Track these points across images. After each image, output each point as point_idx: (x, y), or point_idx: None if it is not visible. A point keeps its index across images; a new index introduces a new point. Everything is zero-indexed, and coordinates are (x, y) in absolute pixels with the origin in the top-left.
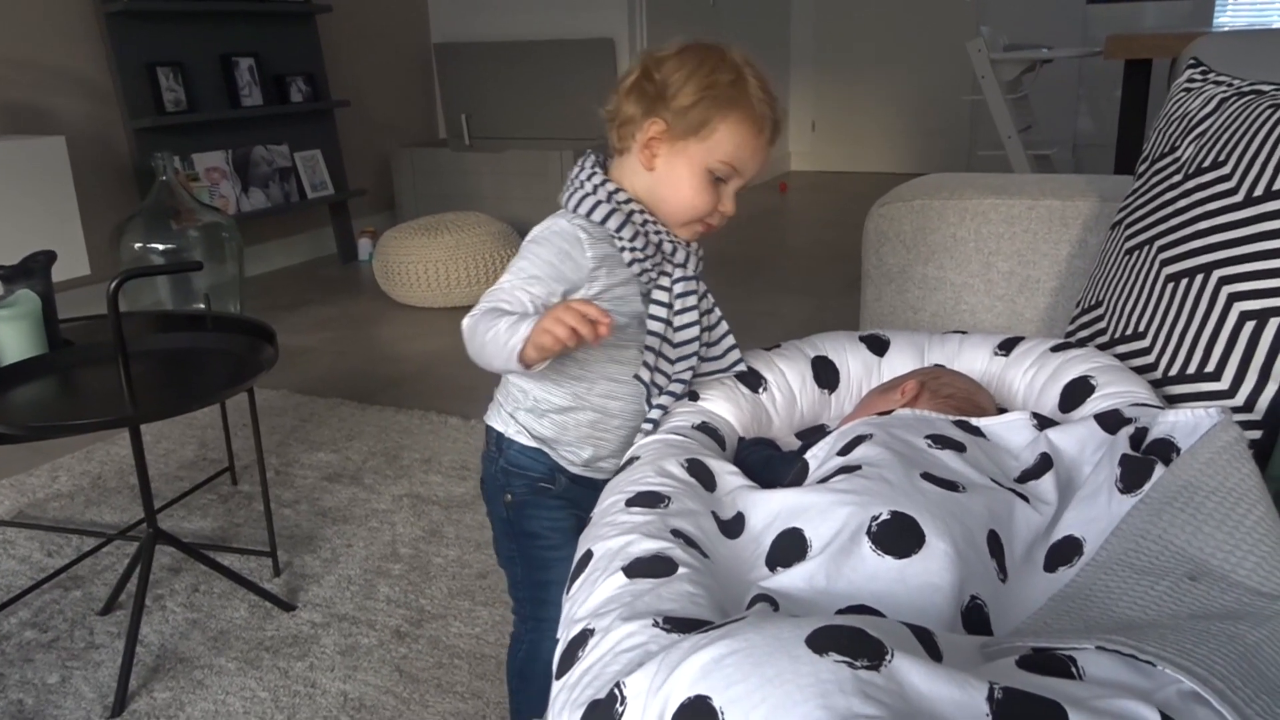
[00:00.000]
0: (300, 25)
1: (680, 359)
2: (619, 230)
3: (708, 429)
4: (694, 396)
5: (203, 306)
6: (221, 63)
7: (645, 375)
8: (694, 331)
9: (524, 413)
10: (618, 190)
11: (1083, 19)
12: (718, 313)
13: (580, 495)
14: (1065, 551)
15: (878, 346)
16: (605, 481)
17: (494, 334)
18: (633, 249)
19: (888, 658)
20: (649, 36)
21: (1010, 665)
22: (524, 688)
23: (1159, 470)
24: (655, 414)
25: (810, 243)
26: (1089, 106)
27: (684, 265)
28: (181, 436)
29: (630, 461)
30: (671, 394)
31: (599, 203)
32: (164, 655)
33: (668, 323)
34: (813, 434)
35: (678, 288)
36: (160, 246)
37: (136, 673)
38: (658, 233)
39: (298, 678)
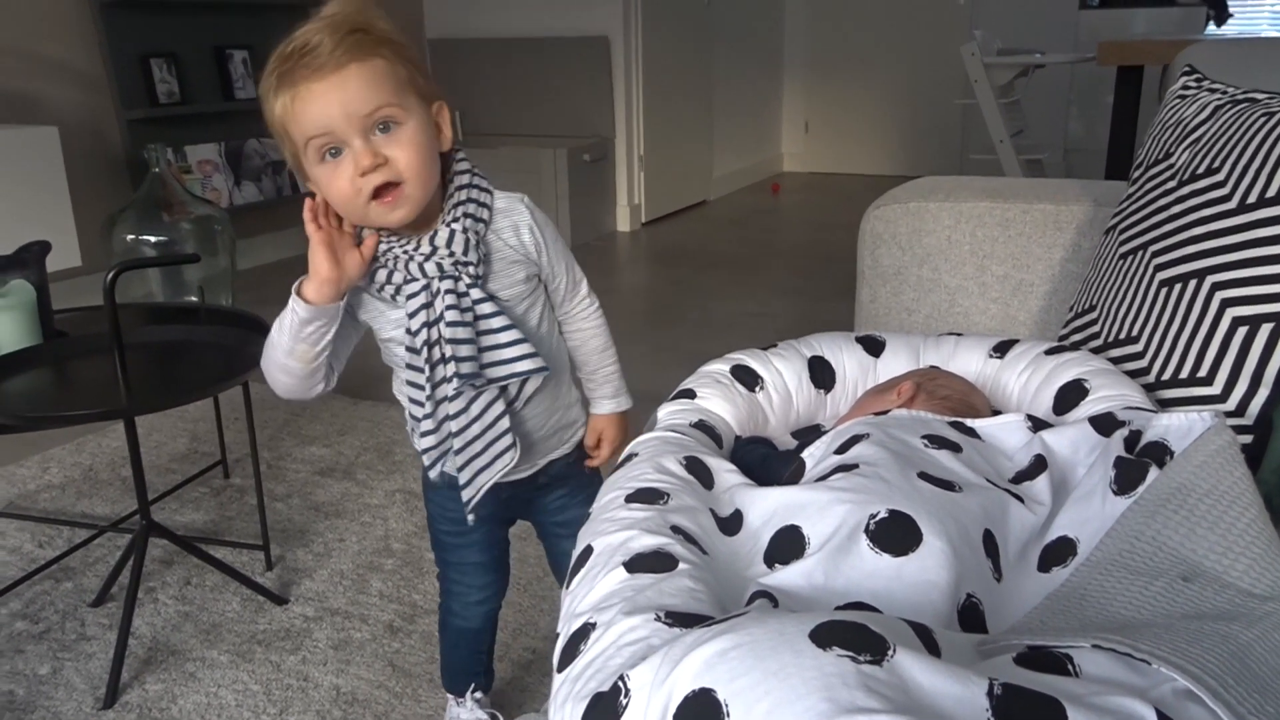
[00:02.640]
0: (295, 18)
1: (430, 388)
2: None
3: (704, 427)
4: (690, 395)
5: (196, 299)
6: (215, 54)
7: (412, 408)
8: (425, 355)
9: (409, 419)
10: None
11: (1075, 25)
12: (497, 320)
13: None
14: (1059, 552)
15: (873, 347)
16: (510, 484)
17: (271, 334)
18: (376, 284)
19: (890, 652)
20: (644, 34)
21: (1008, 662)
22: (441, 635)
23: (1153, 473)
24: (423, 443)
25: (803, 243)
26: (1080, 112)
27: (414, 279)
28: (173, 429)
29: (628, 458)
30: (434, 430)
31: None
32: (156, 647)
33: (411, 347)
34: (808, 434)
35: (409, 306)
36: (152, 238)
37: (128, 665)
38: (385, 250)
39: (290, 671)
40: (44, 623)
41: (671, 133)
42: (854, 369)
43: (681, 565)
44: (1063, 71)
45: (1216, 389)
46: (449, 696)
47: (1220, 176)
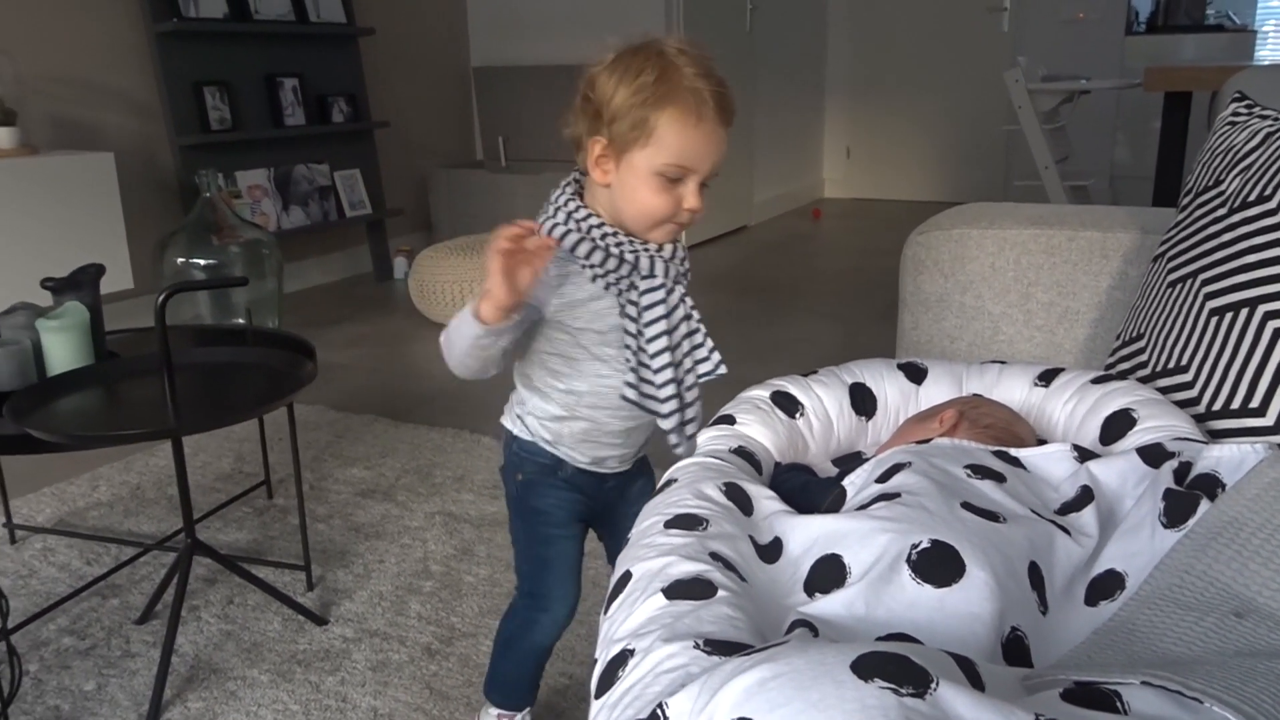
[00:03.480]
0: (343, 47)
1: (660, 369)
2: (575, 249)
3: (744, 453)
4: (730, 421)
5: (243, 321)
6: (266, 83)
7: (631, 394)
8: (663, 342)
9: (529, 415)
10: (579, 209)
11: (1120, 50)
12: (694, 319)
13: (586, 483)
14: (1107, 585)
15: (915, 375)
16: (613, 474)
17: (454, 322)
18: (592, 265)
19: (933, 685)
20: None
21: (1054, 698)
22: (506, 654)
23: (1204, 505)
24: (668, 424)
25: (844, 269)
26: (1126, 138)
27: (653, 275)
28: (219, 449)
29: (668, 484)
30: (679, 414)
31: (558, 225)
32: (198, 665)
33: (636, 335)
34: (849, 461)
35: (644, 300)
36: (202, 262)
37: (171, 682)
38: (619, 245)
39: (329, 692)
40: (90, 639)
41: None
42: (895, 396)
43: (721, 592)
44: (1109, 97)
45: (1270, 420)
46: (496, 712)
47: (1272, 204)
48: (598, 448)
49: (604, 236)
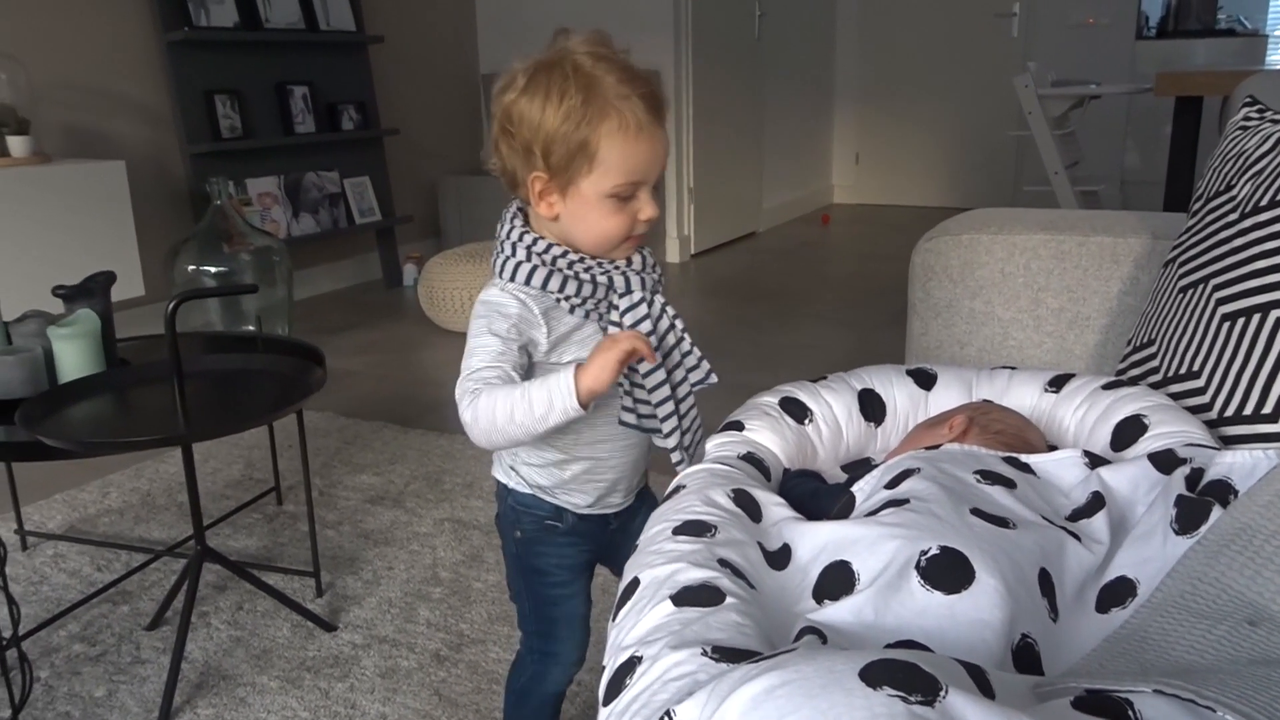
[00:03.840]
0: (353, 55)
1: (655, 386)
2: (545, 285)
3: (753, 460)
4: (739, 427)
5: (253, 328)
6: (276, 91)
7: (630, 418)
8: (658, 362)
9: (522, 465)
10: (536, 241)
11: (1131, 55)
12: (679, 328)
13: (588, 530)
14: (1118, 592)
15: (925, 380)
16: (615, 513)
17: (513, 406)
18: (567, 297)
19: (942, 693)
20: (694, 67)
21: (1065, 706)
22: (520, 706)
23: (1216, 512)
24: (670, 442)
25: (852, 275)
26: (1137, 143)
27: (630, 291)
28: (228, 455)
29: (676, 490)
30: (678, 431)
31: (521, 263)
32: (208, 672)
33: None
34: (858, 467)
35: (626, 320)
36: (212, 269)
37: (181, 689)
38: (588, 269)
39: (338, 699)
40: (100, 645)
41: (721, 165)
42: (905, 402)
43: (729, 599)
44: (1119, 103)
45: None
46: None
47: None
48: (599, 487)
49: (570, 265)
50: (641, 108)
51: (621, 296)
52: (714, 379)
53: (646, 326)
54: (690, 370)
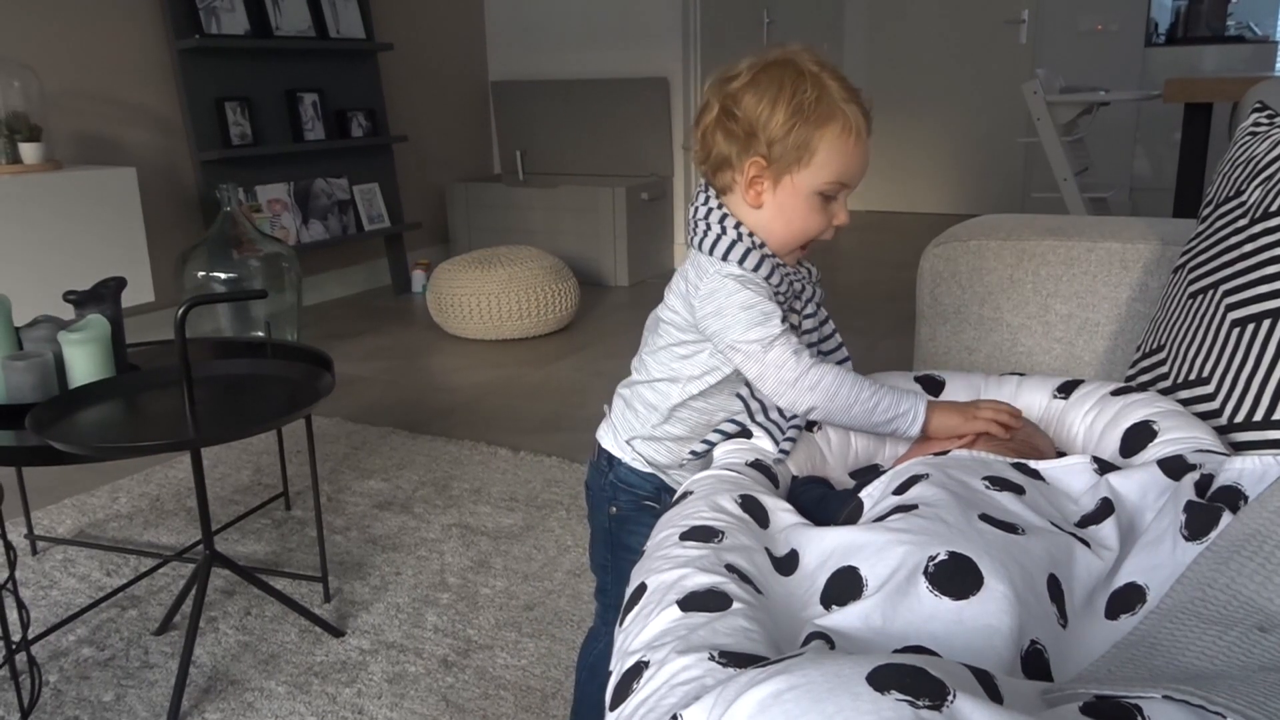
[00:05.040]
0: (362, 63)
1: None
2: (769, 276)
3: (761, 466)
4: (747, 434)
5: (262, 334)
6: (286, 98)
7: (760, 416)
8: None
9: (641, 440)
10: (740, 224)
11: (1140, 62)
12: (836, 337)
13: None
14: (1128, 599)
15: (933, 387)
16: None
17: (857, 399)
18: (777, 291)
19: (950, 698)
20: (703, 75)
21: (1074, 712)
22: (592, 680)
23: (1226, 518)
24: (781, 431)
25: (861, 282)
26: (1146, 150)
27: (812, 300)
28: (237, 461)
29: (684, 496)
30: (780, 421)
31: (745, 248)
32: (216, 676)
33: None
34: (867, 473)
35: (806, 324)
36: (222, 275)
37: (189, 693)
38: (786, 271)
39: (346, 704)
40: (109, 650)
41: None
42: None
43: (736, 604)
44: (1128, 109)
45: None
46: None
47: None
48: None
49: (780, 263)
50: (860, 115)
51: (805, 304)
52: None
53: (814, 337)
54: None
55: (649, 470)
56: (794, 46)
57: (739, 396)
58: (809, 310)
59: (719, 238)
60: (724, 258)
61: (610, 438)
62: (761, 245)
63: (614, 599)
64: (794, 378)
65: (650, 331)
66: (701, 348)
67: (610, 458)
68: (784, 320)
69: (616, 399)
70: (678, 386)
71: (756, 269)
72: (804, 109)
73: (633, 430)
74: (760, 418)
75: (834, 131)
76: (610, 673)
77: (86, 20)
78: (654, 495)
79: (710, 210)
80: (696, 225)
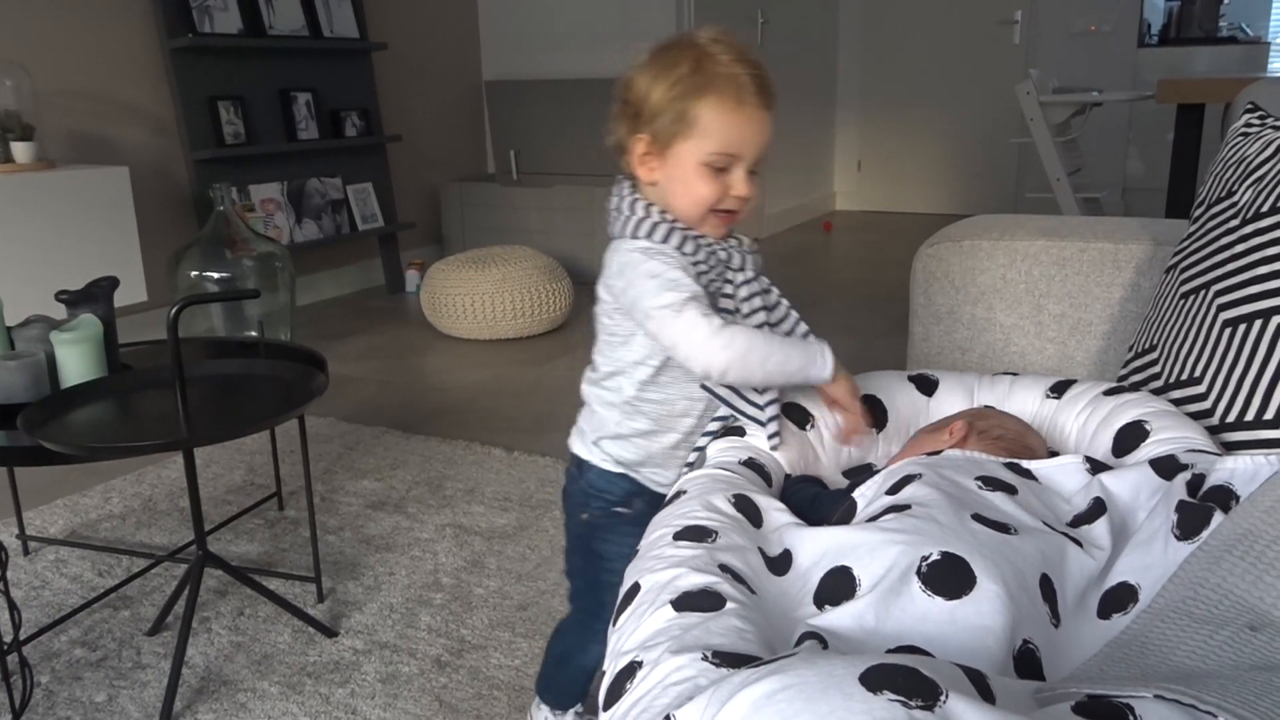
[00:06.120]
0: (356, 62)
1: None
2: (680, 246)
3: (754, 465)
4: (740, 433)
5: (255, 334)
6: (280, 97)
7: (722, 391)
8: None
9: (608, 440)
10: (651, 206)
11: (1133, 63)
12: (784, 304)
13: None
14: (1120, 598)
15: (926, 386)
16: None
17: (769, 353)
18: (696, 263)
19: (942, 698)
20: None
21: (1065, 711)
22: (559, 669)
23: (1217, 517)
24: (767, 430)
25: (854, 282)
26: (1139, 150)
27: (744, 269)
28: (230, 461)
29: (677, 495)
30: (756, 405)
31: (643, 219)
32: (208, 677)
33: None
34: (860, 473)
35: (742, 292)
36: (215, 275)
37: (181, 694)
38: (707, 243)
39: (339, 704)
40: (101, 650)
41: None
42: (906, 408)
43: (729, 604)
44: (1121, 110)
45: None
46: (546, 710)
47: None
48: (682, 461)
49: (696, 235)
50: (748, 84)
51: (737, 272)
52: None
53: (758, 302)
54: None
55: (620, 471)
56: (701, 29)
57: (704, 388)
58: (745, 278)
59: (628, 219)
60: (633, 235)
61: (579, 442)
62: (673, 220)
63: (588, 604)
64: (704, 338)
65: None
66: (634, 330)
67: (580, 463)
68: (697, 287)
69: (583, 404)
70: (626, 378)
71: (665, 240)
72: (683, 80)
73: (599, 431)
74: (736, 402)
75: (713, 101)
76: (581, 666)
77: (79, 19)
78: (624, 500)
79: (622, 198)
80: (610, 215)
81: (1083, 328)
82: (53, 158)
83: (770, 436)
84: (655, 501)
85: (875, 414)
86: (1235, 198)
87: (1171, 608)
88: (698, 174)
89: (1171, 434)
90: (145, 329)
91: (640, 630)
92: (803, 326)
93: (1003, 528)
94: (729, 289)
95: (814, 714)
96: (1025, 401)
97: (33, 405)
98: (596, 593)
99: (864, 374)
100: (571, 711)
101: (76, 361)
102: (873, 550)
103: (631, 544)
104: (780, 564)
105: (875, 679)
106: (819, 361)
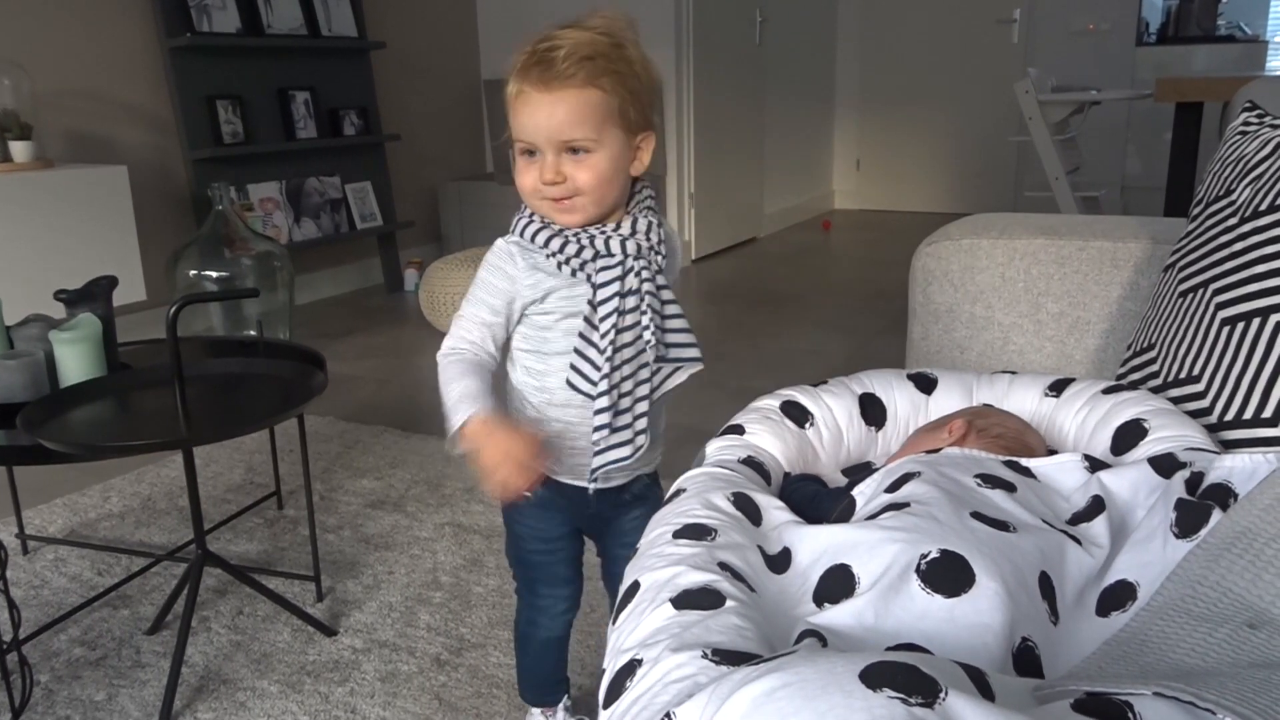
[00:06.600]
0: (355, 61)
1: (604, 349)
2: (534, 237)
3: (753, 463)
4: (739, 430)
5: (254, 333)
6: (278, 96)
7: (575, 379)
8: (610, 322)
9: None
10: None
11: (1131, 61)
12: (658, 301)
13: (568, 502)
14: (1119, 596)
15: (925, 385)
16: (599, 493)
17: (447, 391)
18: (553, 254)
19: (942, 695)
20: (695, 73)
21: (1065, 709)
22: (524, 650)
23: (1216, 515)
24: (601, 420)
25: (853, 280)
26: (1137, 149)
27: (609, 254)
28: (229, 460)
29: (676, 494)
30: (612, 408)
31: (524, 219)
32: (208, 676)
33: (590, 316)
34: (859, 471)
35: (599, 277)
36: (214, 274)
37: (181, 693)
38: (575, 233)
39: (338, 703)
40: (101, 649)
41: (722, 170)
42: (905, 406)
43: (729, 602)
44: (1120, 108)
45: None
46: (537, 711)
47: None
48: (574, 454)
49: (561, 229)
50: (529, 70)
51: (599, 258)
52: (698, 365)
53: (614, 289)
54: (672, 346)
55: None
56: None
57: (576, 351)
58: (608, 264)
59: (517, 218)
60: (510, 231)
61: None
62: (541, 217)
63: (521, 580)
64: (440, 354)
65: None
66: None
67: None
68: (487, 315)
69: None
70: (514, 364)
71: (534, 238)
72: (508, 72)
73: (518, 421)
74: (574, 377)
75: (510, 90)
76: (538, 642)
77: (77, 18)
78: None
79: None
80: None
81: (1081, 326)
82: (51, 157)
83: (600, 429)
84: (556, 488)
85: (874, 413)
86: (1234, 196)
87: (1170, 605)
88: (519, 163)
89: (1170, 432)
90: (144, 328)
91: (640, 628)
92: (648, 335)
93: (1002, 526)
94: (594, 276)
95: (814, 711)
96: (1024, 400)
97: (32, 404)
98: (524, 569)
99: (863, 372)
100: (561, 707)
101: (75, 361)
102: (872, 548)
103: (544, 525)
104: (780, 562)
105: (875, 676)
106: (454, 420)
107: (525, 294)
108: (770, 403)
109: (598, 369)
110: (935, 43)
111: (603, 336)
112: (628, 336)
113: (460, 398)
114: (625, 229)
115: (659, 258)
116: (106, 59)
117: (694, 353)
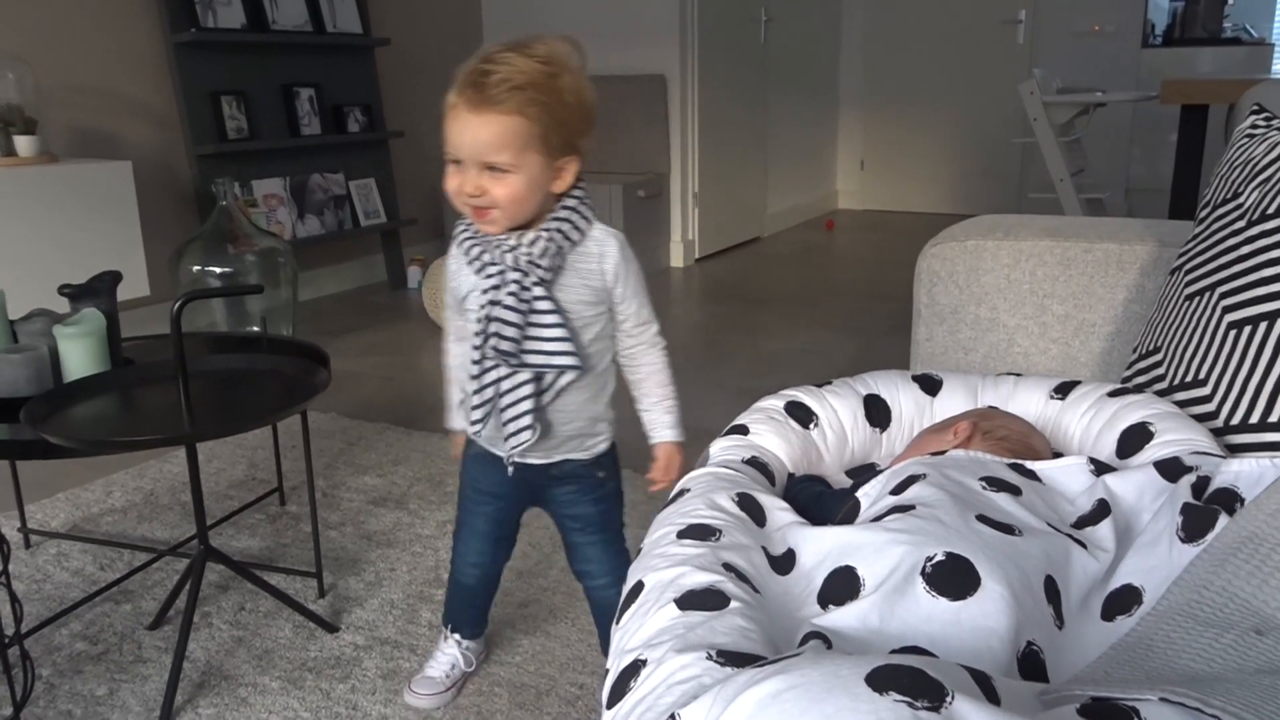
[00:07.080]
0: (359, 58)
1: (475, 347)
2: (462, 241)
3: (757, 464)
4: (744, 431)
5: (258, 329)
6: (283, 92)
7: (467, 365)
8: (478, 325)
9: None
10: None
11: (1137, 63)
12: (524, 312)
13: (485, 463)
14: (1124, 600)
15: (930, 386)
16: (513, 465)
17: (447, 365)
18: (471, 260)
19: (948, 699)
20: (700, 73)
21: (1070, 713)
22: (449, 581)
23: (1222, 520)
24: (474, 411)
25: (857, 281)
26: (1142, 151)
27: (492, 264)
28: (232, 456)
29: (680, 494)
30: (486, 405)
31: (462, 224)
32: (209, 671)
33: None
34: (863, 472)
35: (487, 283)
36: (217, 270)
37: (182, 688)
38: (487, 239)
39: (339, 699)
40: (102, 644)
41: (726, 170)
42: (910, 408)
43: (734, 603)
44: (1125, 110)
45: None
46: (446, 628)
47: None
48: (473, 416)
49: (478, 231)
50: (461, 87)
51: (486, 266)
52: (569, 376)
53: (489, 296)
54: (527, 353)
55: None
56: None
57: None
58: (489, 273)
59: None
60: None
61: None
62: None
63: (455, 526)
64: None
65: None
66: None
67: None
68: (448, 297)
69: None
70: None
71: (461, 244)
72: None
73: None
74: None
75: (447, 105)
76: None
77: (82, 13)
78: (468, 441)
79: None
80: None
81: (1087, 328)
82: (55, 152)
83: (474, 423)
84: (488, 452)
85: (878, 414)
86: (1241, 199)
87: (1176, 610)
88: (449, 168)
89: (1176, 436)
90: (148, 324)
91: (644, 629)
92: (504, 344)
93: (1007, 529)
94: (479, 280)
95: (820, 714)
96: (1029, 402)
97: (35, 399)
98: (459, 513)
99: (868, 373)
100: (451, 636)
101: (79, 356)
102: (877, 550)
103: (474, 474)
104: (784, 563)
105: (881, 679)
106: (450, 412)
107: (462, 288)
108: (774, 403)
109: (473, 361)
110: (940, 43)
111: (475, 335)
112: (498, 343)
113: (449, 405)
114: (513, 241)
115: (540, 270)
116: (111, 54)
117: (562, 360)
